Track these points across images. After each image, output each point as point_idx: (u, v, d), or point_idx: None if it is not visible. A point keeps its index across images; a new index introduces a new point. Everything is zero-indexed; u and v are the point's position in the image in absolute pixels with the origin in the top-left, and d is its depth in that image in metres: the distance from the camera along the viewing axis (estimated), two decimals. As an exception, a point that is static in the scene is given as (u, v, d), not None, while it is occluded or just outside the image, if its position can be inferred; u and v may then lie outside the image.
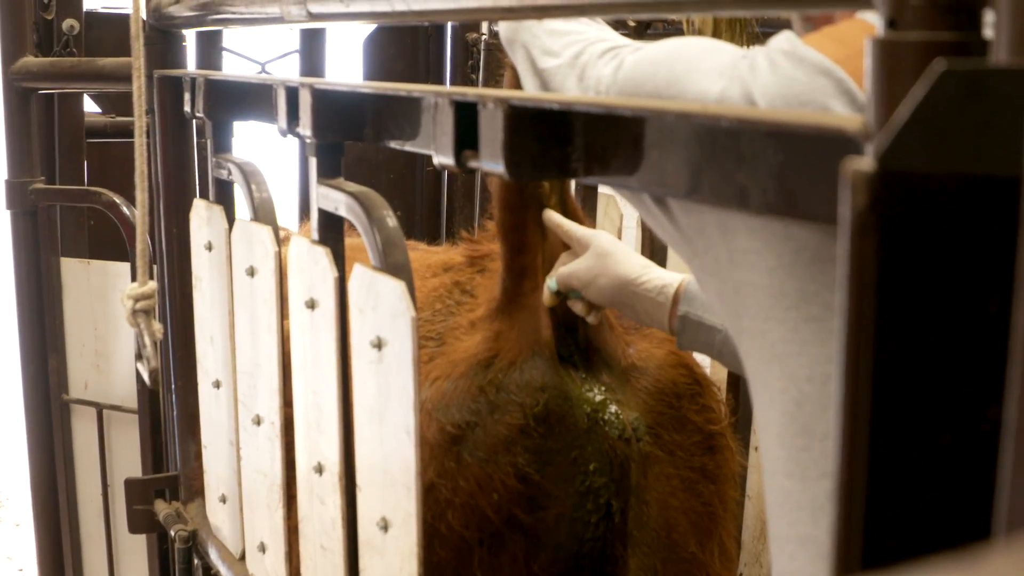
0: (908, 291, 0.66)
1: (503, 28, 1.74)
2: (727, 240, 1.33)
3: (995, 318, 0.64)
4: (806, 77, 1.29)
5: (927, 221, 0.65)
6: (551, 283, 1.94)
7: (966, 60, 0.72)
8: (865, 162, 0.65)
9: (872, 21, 1.31)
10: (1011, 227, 0.62)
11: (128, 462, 3.30)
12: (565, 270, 1.93)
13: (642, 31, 2.36)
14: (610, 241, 1.94)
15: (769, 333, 1.30)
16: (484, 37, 3.68)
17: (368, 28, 4.15)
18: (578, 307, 1.95)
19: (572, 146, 1.19)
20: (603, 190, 2.71)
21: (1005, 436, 0.60)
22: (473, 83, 3.82)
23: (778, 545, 1.39)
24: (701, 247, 1.38)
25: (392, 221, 1.61)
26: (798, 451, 1.30)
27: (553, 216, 1.95)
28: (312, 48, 3.78)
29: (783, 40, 1.33)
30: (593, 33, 1.62)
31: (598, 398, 1.90)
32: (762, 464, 1.38)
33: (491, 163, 1.25)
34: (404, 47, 4.11)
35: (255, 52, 3.85)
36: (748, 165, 0.94)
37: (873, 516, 0.68)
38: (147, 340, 2.02)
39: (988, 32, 0.75)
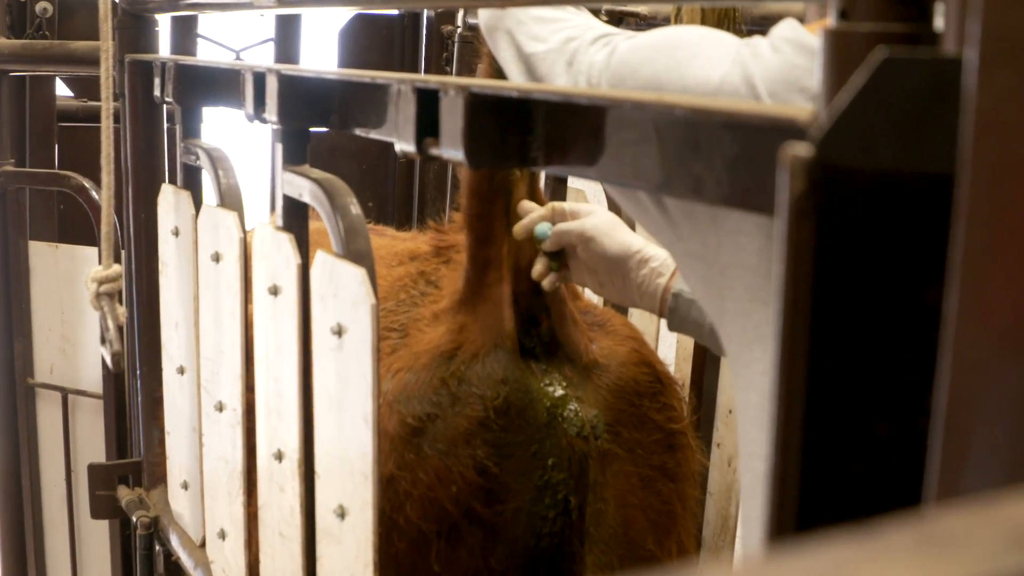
0: (845, 279, 0.66)
1: (484, 15, 1.73)
2: (717, 223, 1.34)
3: (933, 308, 0.63)
4: (806, 63, 1.31)
5: (865, 207, 0.65)
6: (543, 228, 1.91)
7: (908, 48, 0.72)
8: (803, 148, 0.64)
9: None
10: (946, 216, 0.62)
11: (92, 447, 3.29)
12: (566, 225, 1.90)
13: (615, 25, 2.35)
14: (612, 214, 1.95)
15: (753, 314, 1.32)
16: (459, 30, 3.67)
17: (343, 18, 4.13)
18: (539, 267, 1.92)
19: (532, 135, 1.18)
20: (572, 184, 2.70)
21: (934, 424, 0.60)
22: (447, 75, 3.81)
23: (749, 527, 1.41)
24: (687, 231, 1.39)
25: (355, 208, 1.60)
26: None
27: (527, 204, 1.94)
28: (286, 37, 3.77)
29: (786, 28, 1.35)
30: (582, 21, 1.62)
31: (558, 393, 1.89)
32: (739, 448, 1.40)
33: (451, 150, 1.25)
34: (379, 39, 4.09)
35: (231, 41, 3.84)
36: (704, 156, 0.94)
37: (806, 507, 0.67)
38: (110, 323, 2.01)
39: (939, 24, 0.75)
